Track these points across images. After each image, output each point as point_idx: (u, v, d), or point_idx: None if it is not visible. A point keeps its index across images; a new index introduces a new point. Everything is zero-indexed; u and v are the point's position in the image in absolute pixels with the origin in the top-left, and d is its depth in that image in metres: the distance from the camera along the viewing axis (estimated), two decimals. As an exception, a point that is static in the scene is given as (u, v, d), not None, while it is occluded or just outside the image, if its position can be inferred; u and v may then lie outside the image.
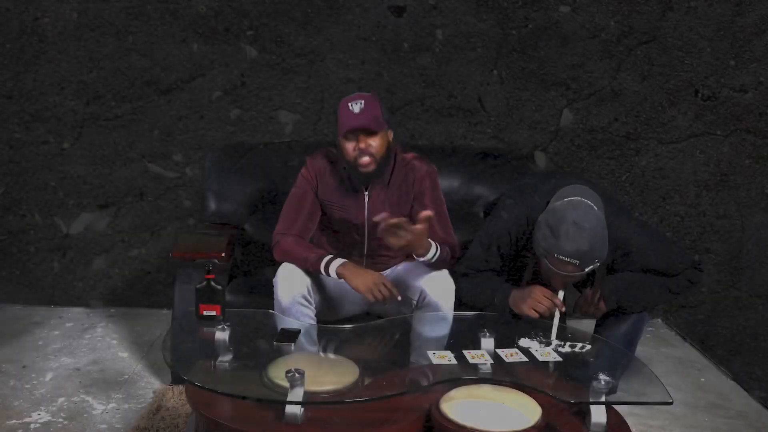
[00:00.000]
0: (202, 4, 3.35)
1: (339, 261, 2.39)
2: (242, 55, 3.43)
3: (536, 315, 2.29)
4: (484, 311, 2.43)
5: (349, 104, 2.37)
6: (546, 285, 2.35)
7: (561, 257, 2.16)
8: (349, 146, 2.38)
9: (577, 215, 2.17)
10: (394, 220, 2.23)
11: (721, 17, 3.30)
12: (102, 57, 3.42)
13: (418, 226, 2.26)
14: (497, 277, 2.48)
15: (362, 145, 2.36)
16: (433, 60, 3.46)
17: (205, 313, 2.17)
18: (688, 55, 3.48)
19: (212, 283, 2.16)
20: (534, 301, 2.29)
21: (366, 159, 2.37)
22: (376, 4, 3.41)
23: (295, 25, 3.42)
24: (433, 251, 2.39)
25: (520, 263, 2.50)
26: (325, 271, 2.38)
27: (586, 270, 2.21)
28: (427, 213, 2.28)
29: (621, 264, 2.41)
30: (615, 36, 3.46)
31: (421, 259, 2.40)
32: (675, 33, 3.46)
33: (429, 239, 2.38)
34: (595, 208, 2.23)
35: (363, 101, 2.37)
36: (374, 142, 2.37)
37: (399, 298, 2.36)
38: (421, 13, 3.42)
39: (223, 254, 2.65)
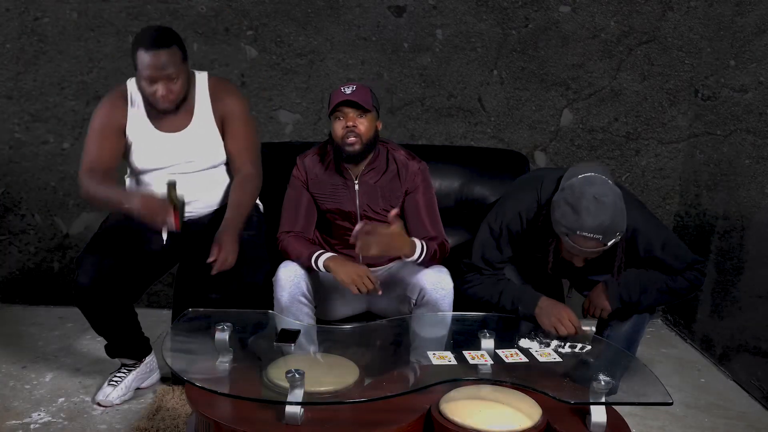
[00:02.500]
0: (202, 4, 3.35)
1: (328, 254, 2.43)
2: (242, 55, 3.43)
3: (554, 332, 2.27)
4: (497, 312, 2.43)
5: (342, 88, 2.46)
6: (565, 264, 2.34)
7: (584, 233, 2.16)
8: (338, 125, 2.45)
9: (595, 190, 2.17)
10: (364, 228, 2.26)
11: (721, 17, 3.30)
12: (102, 57, 3.42)
13: (392, 228, 2.29)
14: (514, 282, 2.46)
15: (350, 123, 2.43)
16: (433, 60, 3.46)
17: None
18: (688, 55, 3.48)
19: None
20: (557, 321, 2.27)
21: (353, 138, 2.43)
22: (376, 4, 3.41)
23: (295, 25, 3.42)
24: (419, 250, 2.41)
25: (530, 254, 2.49)
26: (315, 265, 2.42)
27: (609, 244, 2.20)
28: (395, 211, 2.32)
29: (627, 251, 2.41)
30: (615, 36, 3.45)
31: (408, 259, 2.42)
32: (675, 33, 3.46)
33: (413, 238, 2.41)
34: (610, 182, 2.24)
35: (354, 86, 2.46)
36: (362, 124, 2.44)
37: (380, 292, 2.40)
38: (421, 13, 3.42)
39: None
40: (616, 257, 2.36)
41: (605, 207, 2.15)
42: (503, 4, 3.42)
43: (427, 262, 2.46)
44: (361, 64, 3.46)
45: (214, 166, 2.62)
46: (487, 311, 2.42)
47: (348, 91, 2.42)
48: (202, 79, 2.59)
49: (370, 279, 2.36)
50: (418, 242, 2.41)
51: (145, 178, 2.60)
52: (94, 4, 3.37)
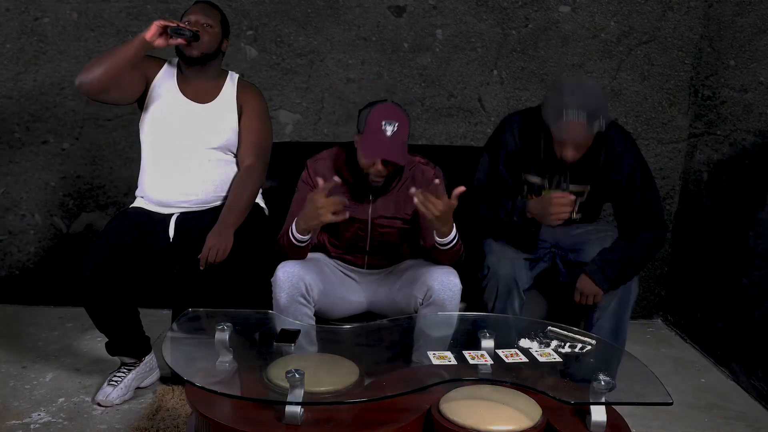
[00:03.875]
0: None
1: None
2: (242, 55, 3.43)
3: (561, 221, 2.43)
4: (504, 230, 2.59)
5: (383, 123, 2.33)
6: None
7: (569, 112, 2.29)
8: (367, 162, 2.40)
9: (578, 78, 2.45)
10: (437, 184, 2.26)
11: (721, 17, 3.30)
12: (102, 57, 3.42)
13: (453, 200, 2.25)
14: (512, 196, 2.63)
15: (380, 167, 2.39)
16: (433, 60, 3.46)
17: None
18: (688, 55, 3.48)
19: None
20: (556, 208, 2.40)
21: (378, 179, 2.43)
22: (376, 4, 3.41)
23: (295, 25, 3.42)
24: (454, 233, 2.39)
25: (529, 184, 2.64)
26: (293, 236, 2.40)
27: (594, 127, 2.34)
28: (461, 189, 2.25)
29: (610, 182, 2.56)
30: (615, 36, 3.46)
31: (442, 239, 2.39)
32: (675, 33, 3.46)
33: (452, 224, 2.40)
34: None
35: (398, 124, 2.34)
36: (390, 168, 2.42)
37: (347, 215, 2.30)
38: (421, 13, 3.42)
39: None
40: (601, 151, 2.51)
41: (587, 87, 2.36)
42: (503, 4, 3.42)
43: (451, 255, 2.45)
44: (361, 64, 3.46)
45: (225, 150, 2.69)
46: (499, 231, 2.60)
47: (389, 131, 2.32)
48: (233, 75, 2.79)
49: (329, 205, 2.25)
50: (455, 229, 2.40)
51: (161, 155, 2.68)
52: (94, 4, 3.37)
